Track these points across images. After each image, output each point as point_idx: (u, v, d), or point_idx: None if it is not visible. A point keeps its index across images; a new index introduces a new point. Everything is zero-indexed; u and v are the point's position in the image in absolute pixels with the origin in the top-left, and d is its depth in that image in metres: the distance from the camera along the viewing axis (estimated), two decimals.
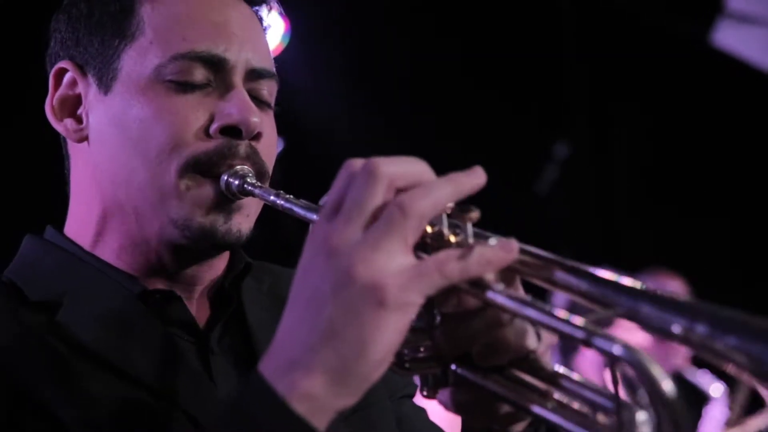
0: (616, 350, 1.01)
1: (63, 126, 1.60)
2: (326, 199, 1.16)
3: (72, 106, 1.60)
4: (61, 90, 1.60)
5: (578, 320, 1.06)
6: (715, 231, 6.84)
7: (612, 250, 6.50)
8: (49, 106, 1.61)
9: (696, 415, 4.99)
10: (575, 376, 1.18)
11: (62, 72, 1.60)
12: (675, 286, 5.56)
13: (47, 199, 1.77)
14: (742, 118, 6.76)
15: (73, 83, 1.59)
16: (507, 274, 1.19)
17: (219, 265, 1.61)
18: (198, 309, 1.58)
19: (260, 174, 1.54)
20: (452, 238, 1.17)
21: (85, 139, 1.58)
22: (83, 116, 1.58)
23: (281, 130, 1.67)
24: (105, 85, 1.55)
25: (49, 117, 1.61)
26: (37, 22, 1.71)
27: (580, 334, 1.05)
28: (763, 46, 6.13)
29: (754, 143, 6.78)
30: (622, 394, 1.07)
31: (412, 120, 6.02)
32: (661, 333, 1.03)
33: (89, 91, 1.57)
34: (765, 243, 6.73)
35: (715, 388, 5.02)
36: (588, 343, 1.04)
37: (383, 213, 1.10)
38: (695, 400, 5.04)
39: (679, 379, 5.04)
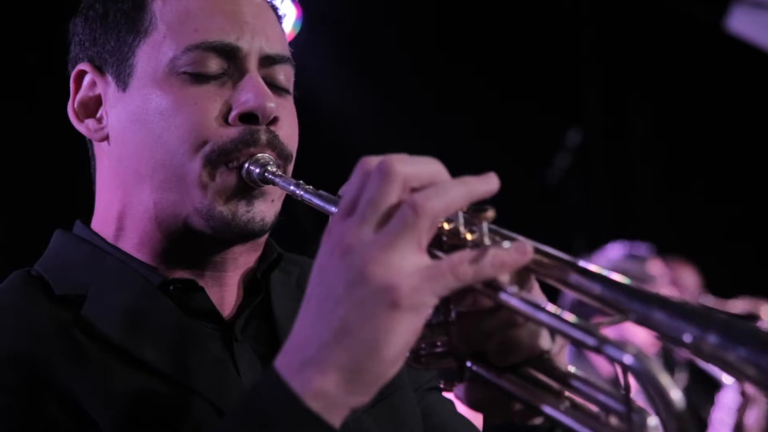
0: (627, 359, 1.02)
1: (84, 126, 1.63)
2: (342, 193, 1.18)
3: (93, 107, 1.62)
4: (82, 92, 1.63)
5: (590, 326, 1.07)
6: (730, 217, 6.82)
7: (625, 237, 6.49)
8: (71, 109, 1.64)
9: (709, 402, 4.98)
10: (589, 378, 1.18)
11: (82, 74, 1.63)
12: (688, 274, 5.55)
13: (80, 195, 1.79)
14: (757, 105, 6.73)
15: (93, 84, 1.62)
16: (521, 273, 1.20)
17: (249, 254, 1.62)
18: (228, 298, 1.60)
19: (282, 157, 1.56)
20: (468, 236, 1.18)
21: (107, 137, 1.60)
22: (104, 116, 1.60)
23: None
24: (122, 82, 1.57)
25: (71, 119, 1.64)
26: (59, 20, 1.72)
27: (590, 341, 1.05)
28: None
29: None
30: (635, 398, 1.07)
31: (425, 108, 6.02)
32: (672, 341, 1.03)
33: (108, 90, 1.60)
34: None
35: (728, 375, 5.00)
36: (598, 351, 1.04)
37: (396, 213, 1.12)
38: (707, 386, 5.04)
39: (691, 366, 5.04)
